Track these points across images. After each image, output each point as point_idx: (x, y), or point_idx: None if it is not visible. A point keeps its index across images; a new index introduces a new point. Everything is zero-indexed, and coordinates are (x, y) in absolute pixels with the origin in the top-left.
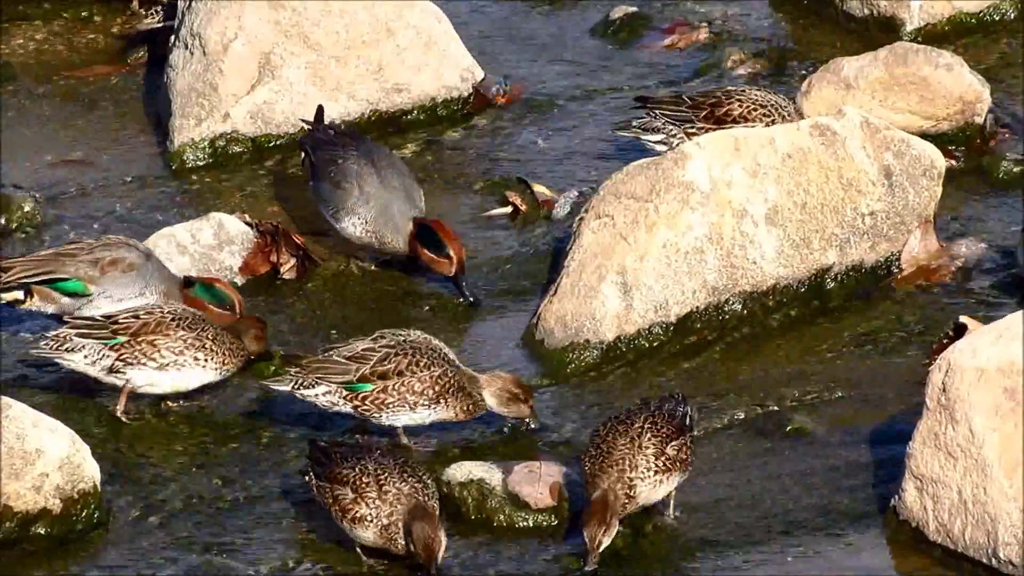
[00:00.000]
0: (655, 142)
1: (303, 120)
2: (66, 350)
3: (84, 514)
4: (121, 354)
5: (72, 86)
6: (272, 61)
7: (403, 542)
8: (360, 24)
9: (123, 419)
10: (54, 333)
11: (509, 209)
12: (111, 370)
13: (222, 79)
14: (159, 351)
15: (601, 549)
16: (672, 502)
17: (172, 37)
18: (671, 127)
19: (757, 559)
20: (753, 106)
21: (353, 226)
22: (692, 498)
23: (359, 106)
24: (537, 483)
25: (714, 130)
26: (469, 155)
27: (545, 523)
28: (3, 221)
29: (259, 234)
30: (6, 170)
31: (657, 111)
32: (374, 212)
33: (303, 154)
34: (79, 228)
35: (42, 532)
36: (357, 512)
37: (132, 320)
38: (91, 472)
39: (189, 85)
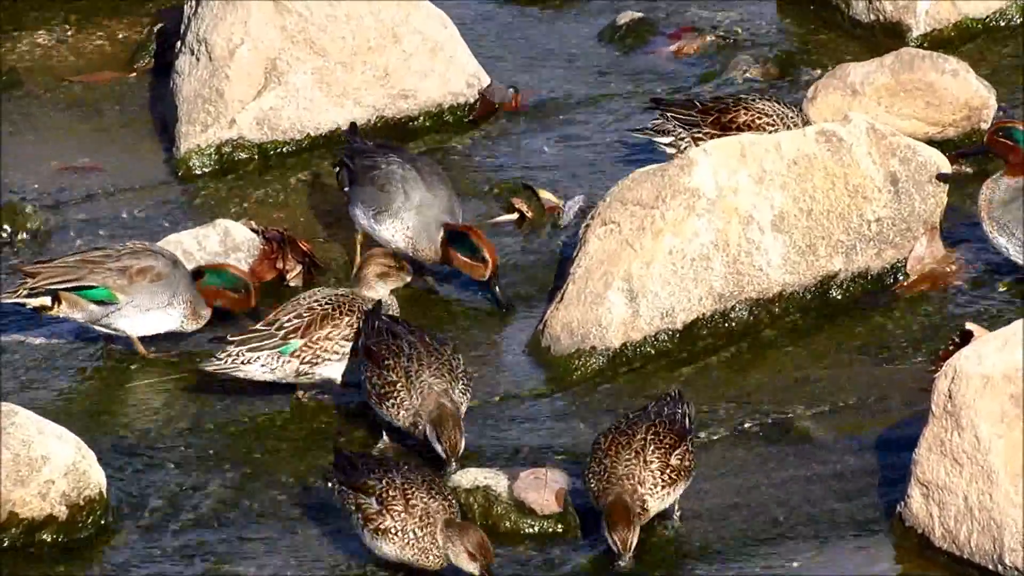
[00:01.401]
0: (665, 144)
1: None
2: (242, 363)
3: (90, 521)
4: (303, 358)
5: (78, 92)
6: (278, 67)
7: (437, 556)
8: (366, 30)
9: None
10: (224, 353)
11: (515, 216)
12: (298, 374)
13: (228, 85)
14: (335, 343)
15: (632, 550)
16: (676, 508)
17: (178, 43)
18: (680, 130)
19: (762, 565)
20: (759, 115)
21: (394, 230)
22: (697, 504)
23: (365, 112)
24: (543, 489)
25: (719, 136)
26: (475, 161)
27: (551, 529)
28: (9, 227)
29: (265, 241)
30: (12, 176)
31: (669, 114)
32: (416, 219)
33: (337, 167)
34: (85, 234)
35: (48, 539)
36: (381, 524)
37: (297, 320)
38: (97, 479)
39: (195, 91)
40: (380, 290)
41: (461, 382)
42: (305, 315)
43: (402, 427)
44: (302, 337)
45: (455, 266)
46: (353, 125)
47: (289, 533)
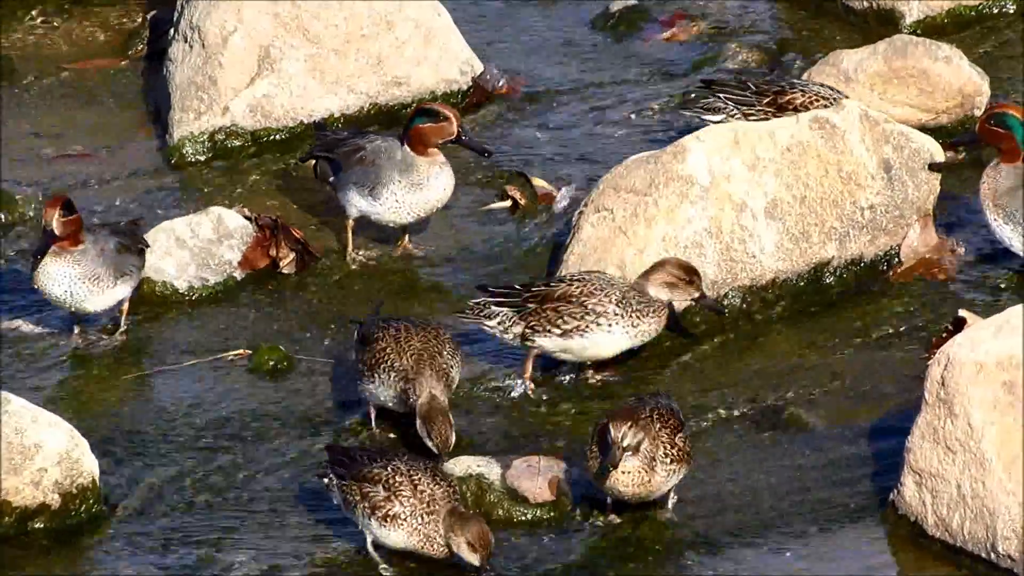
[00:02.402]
0: (716, 122)
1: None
2: (485, 316)
3: (83, 509)
4: (529, 322)
5: (71, 80)
6: (271, 54)
7: (442, 544)
8: (359, 17)
9: (528, 389)
10: (474, 301)
11: (508, 203)
12: (522, 338)
13: (221, 72)
14: (562, 317)
15: (625, 444)
16: (672, 497)
17: (171, 30)
18: (732, 107)
19: (755, 554)
20: (816, 97)
21: (393, 194)
22: (690, 493)
23: (358, 99)
24: (536, 477)
25: (774, 116)
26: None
27: (544, 517)
28: (3, 215)
29: (258, 228)
30: (6, 164)
31: (722, 94)
32: (406, 180)
33: (314, 161)
34: None
35: (41, 527)
36: (390, 510)
37: (542, 288)
38: (90, 467)
39: (188, 78)
40: (663, 295)
41: (448, 346)
42: (552, 285)
43: (391, 395)
44: (538, 304)
45: (427, 141)
46: (319, 125)
47: (283, 522)
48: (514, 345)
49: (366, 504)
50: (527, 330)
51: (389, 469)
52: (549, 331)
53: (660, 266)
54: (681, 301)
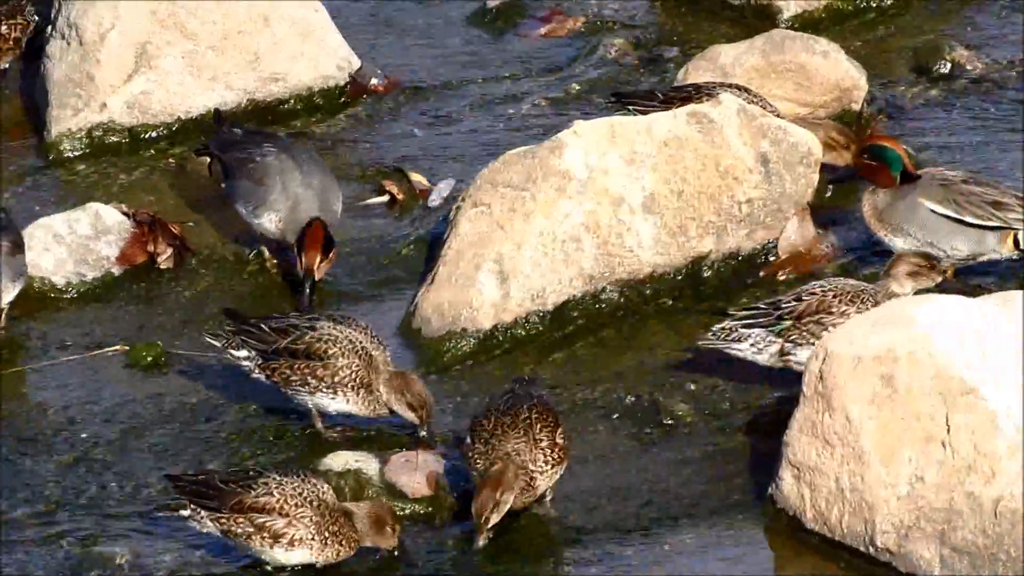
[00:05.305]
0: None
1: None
2: (733, 340)
3: None
4: (789, 336)
5: None
6: (149, 51)
7: (354, 539)
8: (237, 14)
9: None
10: (719, 326)
11: (386, 198)
12: (781, 354)
13: (99, 69)
14: (826, 329)
15: (490, 526)
16: (548, 494)
17: (49, 27)
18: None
19: (633, 548)
20: None
21: (270, 222)
22: (568, 487)
23: (236, 96)
24: (414, 472)
25: None
26: (346, 144)
27: (422, 512)
28: None
29: (136, 224)
30: None
31: (632, 107)
32: (289, 208)
33: (209, 159)
34: None
35: None
36: (295, 535)
37: (794, 303)
38: None
39: (66, 75)
40: (908, 287)
41: (383, 347)
42: (804, 299)
43: (359, 409)
44: (796, 319)
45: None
46: (218, 113)
47: (157, 517)
48: (768, 364)
49: (264, 534)
50: (786, 344)
51: (276, 494)
52: (812, 343)
53: (899, 260)
54: (927, 286)
